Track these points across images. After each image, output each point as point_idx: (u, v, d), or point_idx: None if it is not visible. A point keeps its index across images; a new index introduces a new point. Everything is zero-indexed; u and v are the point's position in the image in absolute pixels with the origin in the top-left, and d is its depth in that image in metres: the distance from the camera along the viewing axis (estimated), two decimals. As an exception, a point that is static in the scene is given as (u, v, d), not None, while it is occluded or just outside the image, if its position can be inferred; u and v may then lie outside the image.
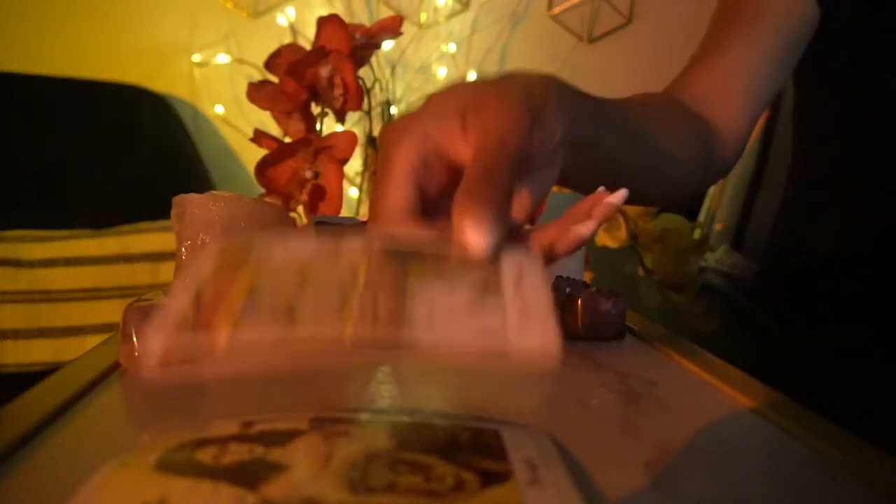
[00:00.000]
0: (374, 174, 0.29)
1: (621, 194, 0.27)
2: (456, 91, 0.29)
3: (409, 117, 0.29)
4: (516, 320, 0.22)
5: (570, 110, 0.33)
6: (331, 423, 0.22)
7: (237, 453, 0.20)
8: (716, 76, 0.53)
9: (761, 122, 1.09)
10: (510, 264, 0.25)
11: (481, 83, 0.30)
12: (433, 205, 0.30)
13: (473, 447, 0.21)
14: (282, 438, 0.21)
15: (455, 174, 0.30)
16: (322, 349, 0.22)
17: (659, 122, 0.48)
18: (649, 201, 0.57)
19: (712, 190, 1.17)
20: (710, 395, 0.30)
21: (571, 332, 0.39)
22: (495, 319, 0.22)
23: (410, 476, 0.19)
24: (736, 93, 0.53)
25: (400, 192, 0.28)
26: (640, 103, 0.49)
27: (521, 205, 0.31)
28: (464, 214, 0.25)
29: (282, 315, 0.23)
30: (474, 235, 0.25)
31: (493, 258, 0.25)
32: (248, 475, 0.19)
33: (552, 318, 0.23)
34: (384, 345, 0.22)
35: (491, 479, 0.19)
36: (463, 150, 0.29)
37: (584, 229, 0.27)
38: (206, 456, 0.20)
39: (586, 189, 0.48)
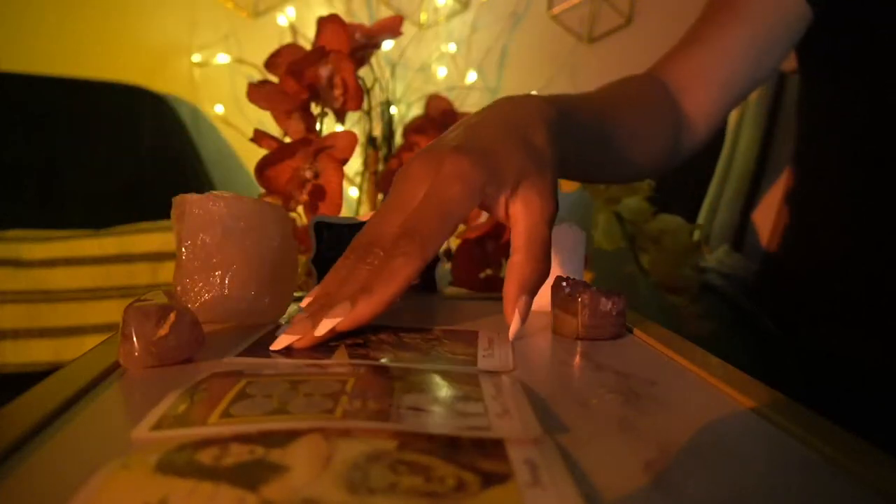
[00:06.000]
0: (426, 195, 0.36)
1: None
2: (512, 159, 0.37)
3: (472, 161, 0.35)
4: (498, 416, 0.25)
5: (563, 159, 0.42)
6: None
7: (238, 454, 0.20)
8: (694, 65, 0.54)
9: (761, 121, 1.09)
10: (487, 380, 0.29)
11: (524, 152, 0.38)
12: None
13: (474, 447, 0.21)
14: (282, 439, 0.21)
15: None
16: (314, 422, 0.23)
17: (636, 113, 0.52)
18: (615, 181, 0.71)
19: (712, 189, 1.17)
20: (710, 395, 0.30)
21: (571, 332, 0.39)
22: (478, 417, 0.25)
23: (411, 477, 0.19)
24: (711, 83, 0.54)
25: (443, 236, 0.35)
26: (622, 96, 0.52)
27: None
28: (518, 301, 0.36)
29: (274, 413, 0.24)
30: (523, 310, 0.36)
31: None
32: (248, 476, 0.19)
33: (532, 413, 0.25)
34: (374, 418, 0.24)
35: (492, 479, 0.19)
36: (502, 213, 0.38)
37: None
38: (206, 457, 0.20)
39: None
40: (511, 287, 0.36)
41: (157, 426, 0.23)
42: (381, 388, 0.27)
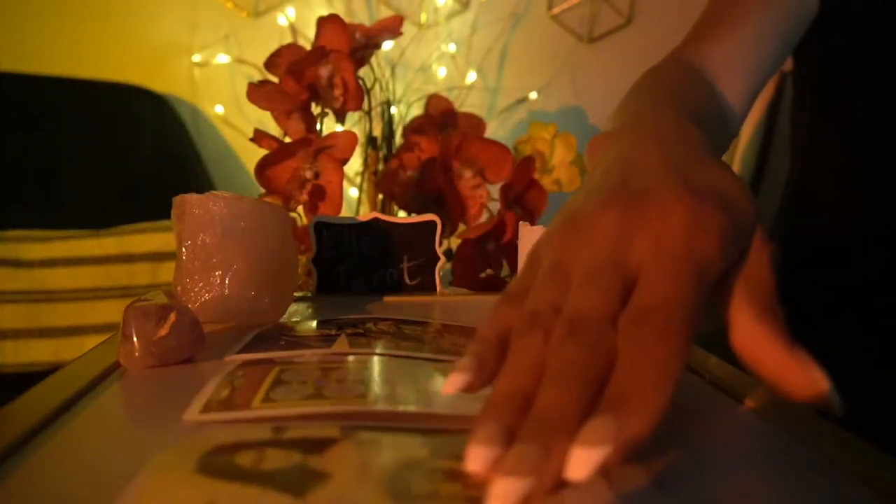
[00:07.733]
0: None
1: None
2: (744, 200, 0.27)
3: (713, 206, 0.25)
4: None
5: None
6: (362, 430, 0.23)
7: (276, 459, 0.20)
8: (727, 50, 0.51)
9: (761, 121, 1.09)
10: None
11: (745, 190, 0.28)
12: None
13: None
14: (317, 446, 0.21)
15: None
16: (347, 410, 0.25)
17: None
18: None
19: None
20: (711, 395, 0.30)
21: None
22: None
23: (449, 484, 0.19)
24: (743, 70, 0.51)
25: (700, 306, 0.25)
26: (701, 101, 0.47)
27: None
28: (805, 363, 0.25)
29: (311, 398, 0.26)
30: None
31: None
32: (292, 482, 0.19)
33: None
34: (405, 406, 0.25)
35: None
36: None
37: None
38: (245, 461, 0.20)
39: None
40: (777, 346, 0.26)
41: (206, 409, 0.25)
42: (406, 375, 0.29)
